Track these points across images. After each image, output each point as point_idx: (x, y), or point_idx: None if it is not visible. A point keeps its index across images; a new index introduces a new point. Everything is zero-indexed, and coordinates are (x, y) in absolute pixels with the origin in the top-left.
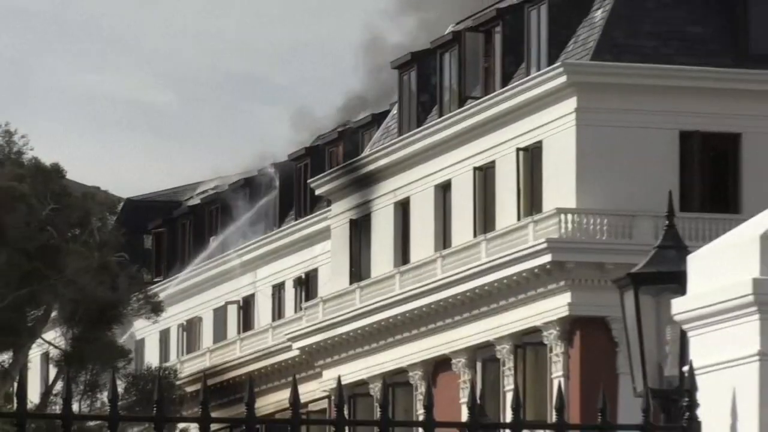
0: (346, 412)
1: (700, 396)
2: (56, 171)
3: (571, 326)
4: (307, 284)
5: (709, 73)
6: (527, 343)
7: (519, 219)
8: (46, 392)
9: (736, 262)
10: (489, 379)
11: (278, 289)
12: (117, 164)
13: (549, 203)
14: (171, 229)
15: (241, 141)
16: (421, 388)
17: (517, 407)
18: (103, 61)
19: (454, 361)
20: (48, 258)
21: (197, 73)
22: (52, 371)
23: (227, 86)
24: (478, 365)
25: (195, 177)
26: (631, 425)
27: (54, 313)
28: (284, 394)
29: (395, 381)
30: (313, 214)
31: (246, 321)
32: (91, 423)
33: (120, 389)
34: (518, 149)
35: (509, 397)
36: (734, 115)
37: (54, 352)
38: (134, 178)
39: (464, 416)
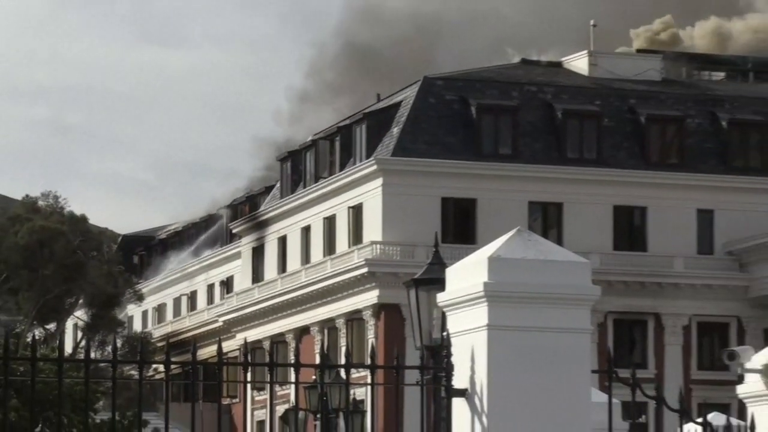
0: (249, 359)
1: (453, 349)
2: (83, 219)
3: (379, 309)
4: (227, 284)
5: (459, 164)
6: (353, 318)
7: (349, 247)
8: (75, 347)
9: (474, 272)
10: (332, 340)
11: (211, 287)
12: (118, 214)
13: (366, 238)
14: (149, 253)
15: (190, 201)
16: (293, 345)
17: (347, 355)
18: (109, 154)
19: (312, 329)
20: (77, 269)
21: (168, 160)
22: (79, 334)
23: (184, 169)
24: (325, 331)
25: (163, 222)
26: (414, 366)
27: (80, 301)
28: (213, 348)
29: (278, 340)
30: (232, 243)
31: (192, 306)
32: (102, 364)
33: (118, 345)
34: (349, 207)
35: (343, 350)
36: (473, 188)
37: (80, 323)
38: (128, 222)
39: (317, 361)
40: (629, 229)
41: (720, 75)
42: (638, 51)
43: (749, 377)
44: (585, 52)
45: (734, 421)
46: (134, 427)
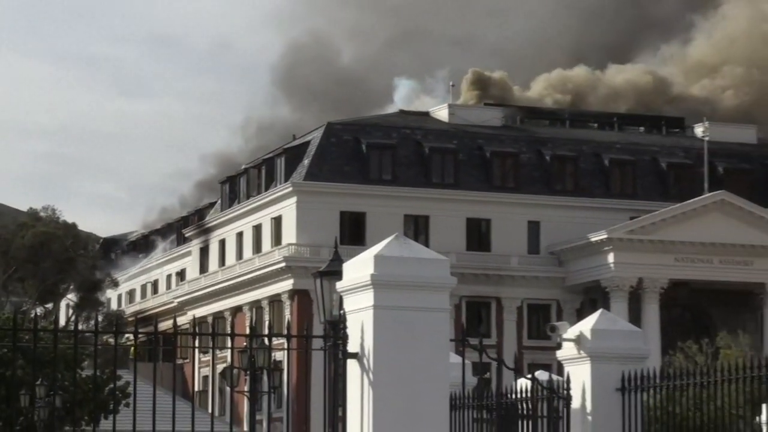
0: (197, 330)
1: (348, 323)
2: (73, 225)
3: (293, 294)
4: (181, 274)
5: (353, 187)
6: (275, 300)
7: (271, 247)
8: (67, 321)
9: (364, 267)
10: (258, 316)
11: (169, 277)
12: (100, 222)
13: (285, 241)
14: (122, 251)
15: (153, 213)
16: (229, 320)
17: (270, 327)
18: (94, 177)
19: (243, 308)
20: (69, 263)
21: (137, 182)
22: (70, 311)
23: (149, 189)
24: (254, 310)
25: (133, 228)
26: (319, 335)
27: (71, 286)
28: (170, 322)
29: (218, 316)
30: (184, 244)
31: (154, 290)
32: (87, 334)
33: (99, 319)
34: (272, 218)
35: (267, 323)
36: (363, 204)
37: (71, 303)
38: (107, 228)
39: (247, 331)
40: (478, 235)
41: (545, 122)
42: (485, 104)
43: (566, 345)
44: (446, 104)
45: (555, 377)
46: (111, 380)
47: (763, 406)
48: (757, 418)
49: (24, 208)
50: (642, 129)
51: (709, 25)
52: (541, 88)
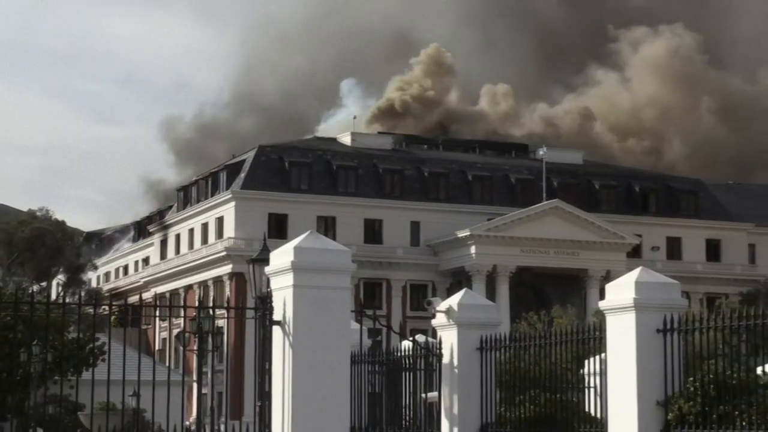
0: (158, 303)
1: (274, 299)
2: (62, 222)
3: (233, 275)
4: (146, 260)
5: (278, 195)
6: (218, 281)
7: (215, 240)
8: (57, 296)
9: (286, 255)
10: (205, 292)
11: (137, 262)
12: (83, 220)
13: (226, 235)
14: (101, 242)
15: (124, 213)
16: (183, 295)
17: (214, 302)
18: (78, 185)
19: (194, 286)
20: (59, 251)
21: (112, 188)
22: (60, 288)
23: (121, 194)
24: (202, 288)
25: (109, 225)
26: (251, 307)
27: (61, 269)
28: (137, 297)
29: (175, 293)
30: (149, 238)
31: (125, 272)
32: (72, 305)
33: (82, 294)
34: (216, 218)
35: (212, 297)
36: (286, 207)
37: (60, 282)
38: (89, 224)
39: (197, 304)
40: (372, 231)
41: (424, 147)
42: (378, 133)
43: (439, 315)
44: (349, 132)
45: (430, 339)
46: (90, 341)
47: (586, 361)
48: (581, 370)
49: (24, 208)
50: (496, 152)
51: (613, 79)
52: (485, 103)
